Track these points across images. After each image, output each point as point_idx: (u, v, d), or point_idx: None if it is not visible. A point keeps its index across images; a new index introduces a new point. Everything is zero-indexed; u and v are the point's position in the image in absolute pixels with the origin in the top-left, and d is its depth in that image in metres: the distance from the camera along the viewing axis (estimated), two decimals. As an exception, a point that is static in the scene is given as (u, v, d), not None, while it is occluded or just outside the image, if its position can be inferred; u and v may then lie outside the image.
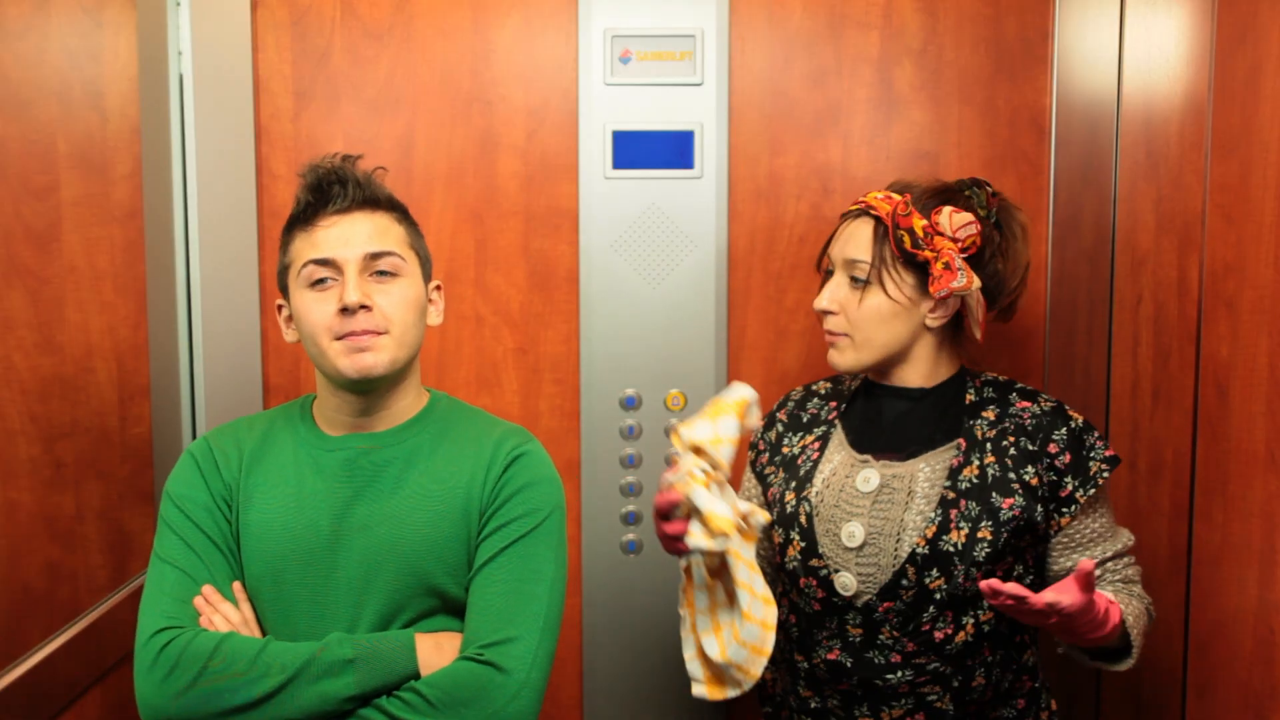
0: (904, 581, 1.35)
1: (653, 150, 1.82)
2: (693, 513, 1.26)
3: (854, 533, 1.37)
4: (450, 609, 1.29)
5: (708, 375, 1.85)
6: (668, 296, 1.84)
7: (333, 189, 1.28)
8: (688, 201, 1.82)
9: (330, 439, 1.32)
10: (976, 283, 1.37)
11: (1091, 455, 1.38)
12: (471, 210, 1.84)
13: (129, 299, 1.48)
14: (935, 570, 1.34)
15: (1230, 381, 1.26)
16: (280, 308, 1.35)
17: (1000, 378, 1.48)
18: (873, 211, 1.41)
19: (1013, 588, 1.18)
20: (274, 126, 1.82)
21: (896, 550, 1.36)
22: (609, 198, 1.82)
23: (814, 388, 1.59)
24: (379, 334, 1.25)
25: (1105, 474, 1.37)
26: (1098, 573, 1.41)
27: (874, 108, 1.85)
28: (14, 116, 1.24)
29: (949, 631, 1.37)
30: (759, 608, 1.31)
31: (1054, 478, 1.37)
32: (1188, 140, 1.38)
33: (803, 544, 1.41)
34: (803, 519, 1.42)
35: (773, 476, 1.51)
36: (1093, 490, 1.37)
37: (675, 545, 1.31)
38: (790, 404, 1.58)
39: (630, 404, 1.85)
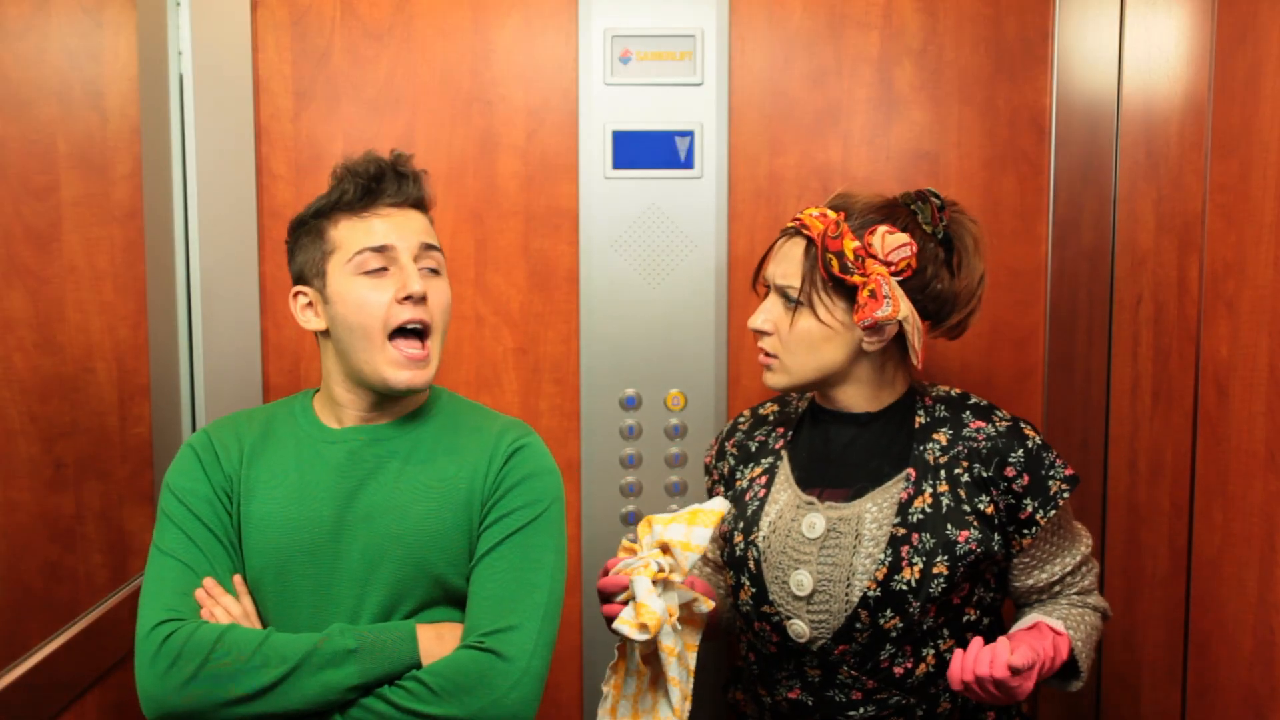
0: (857, 624, 1.32)
1: (653, 150, 1.82)
2: (631, 595, 1.27)
3: (802, 581, 1.34)
4: (451, 599, 1.30)
5: (708, 375, 1.85)
6: (668, 296, 1.84)
7: (386, 183, 1.29)
8: (688, 201, 1.82)
9: (333, 431, 1.32)
10: (904, 311, 1.30)
11: (1051, 475, 1.34)
12: (471, 210, 1.84)
13: (129, 299, 1.48)
14: (889, 610, 1.31)
15: (1230, 381, 1.26)
16: (299, 295, 1.32)
17: (953, 392, 1.43)
18: (805, 231, 1.34)
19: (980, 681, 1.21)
20: (274, 126, 1.82)
21: (848, 595, 1.32)
22: (609, 198, 1.82)
23: (761, 412, 1.54)
24: (425, 347, 1.28)
25: (1065, 494, 1.34)
26: (1056, 589, 1.41)
27: (874, 108, 1.85)
28: (14, 116, 1.24)
29: (909, 665, 1.34)
30: (682, 703, 1.31)
31: (1012, 501, 1.33)
32: (1188, 140, 1.38)
33: (753, 590, 1.38)
34: (751, 564, 1.38)
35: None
36: (1053, 511, 1.33)
37: (613, 627, 1.31)
38: (739, 434, 1.53)
39: (630, 404, 1.85)
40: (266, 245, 1.82)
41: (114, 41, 1.45)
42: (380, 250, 1.26)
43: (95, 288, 1.40)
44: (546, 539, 1.30)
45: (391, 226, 1.28)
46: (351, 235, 1.27)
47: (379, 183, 1.29)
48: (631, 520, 1.85)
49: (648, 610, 1.23)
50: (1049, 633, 1.32)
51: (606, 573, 1.31)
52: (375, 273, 1.26)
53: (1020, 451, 1.34)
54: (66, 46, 1.34)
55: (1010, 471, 1.33)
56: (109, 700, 1.39)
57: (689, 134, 1.82)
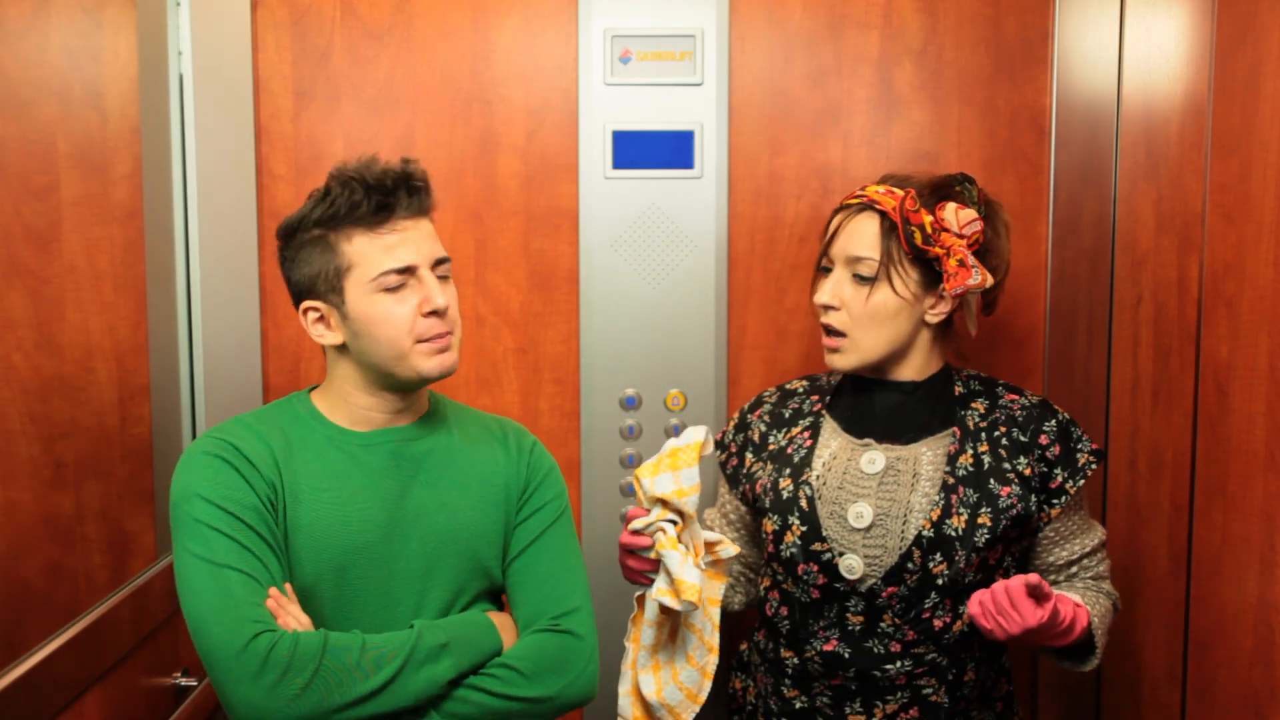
0: (909, 565, 1.35)
1: (653, 150, 1.82)
2: (662, 567, 1.32)
3: (862, 513, 1.37)
4: (491, 592, 1.38)
5: (708, 375, 1.85)
6: (668, 296, 1.84)
7: (398, 194, 1.27)
8: (688, 201, 1.82)
9: (364, 435, 1.33)
10: (989, 279, 1.37)
11: (1079, 448, 1.41)
12: (471, 210, 1.84)
13: (129, 299, 1.48)
14: (939, 554, 1.34)
15: (1230, 381, 1.26)
16: (309, 311, 1.30)
17: (982, 374, 1.50)
18: (877, 206, 1.39)
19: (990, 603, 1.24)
20: (274, 126, 1.82)
21: (904, 532, 1.36)
22: (609, 198, 1.82)
23: (789, 387, 1.58)
24: (450, 334, 1.30)
25: (1093, 466, 1.41)
26: (1073, 569, 1.44)
27: (874, 108, 1.85)
28: (14, 116, 1.24)
29: (947, 620, 1.37)
30: (702, 654, 1.37)
31: (1044, 469, 1.39)
32: (1188, 140, 1.38)
33: (804, 528, 1.39)
34: (803, 503, 1.40)
35: (759, 471, 1.49)
36: (1081, 481, 1.40)
37: (636, 578, 1.38)
38: (766, 404, 1.56)
39: (630, 404, 1.85)
40: (266, 245, 1.82)
41: (114, 41, 1.45)
42: (403, 271, 1.26)
43: (95, 288, 1.40)
44: (571, 527, 1.40)
45: (410, 242, 1.27)
46: (370, 253, 1.25)
47: (393, 195, 1.27)
48: (631, 520, 1.85)
49: (686, 585, 1.28)
50: (1069, 601, 1.34)
51: (627, 523, 1.36)
52: (395, 289, 1.26)
53: (1053, 422, 1.42)
54: (66, 46, 1.34)
55: (1044, 439, 1.41)
56: (109, 700, 1.39)
57: (689, 134, 1.82)
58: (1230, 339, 1.26)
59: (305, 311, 1.30)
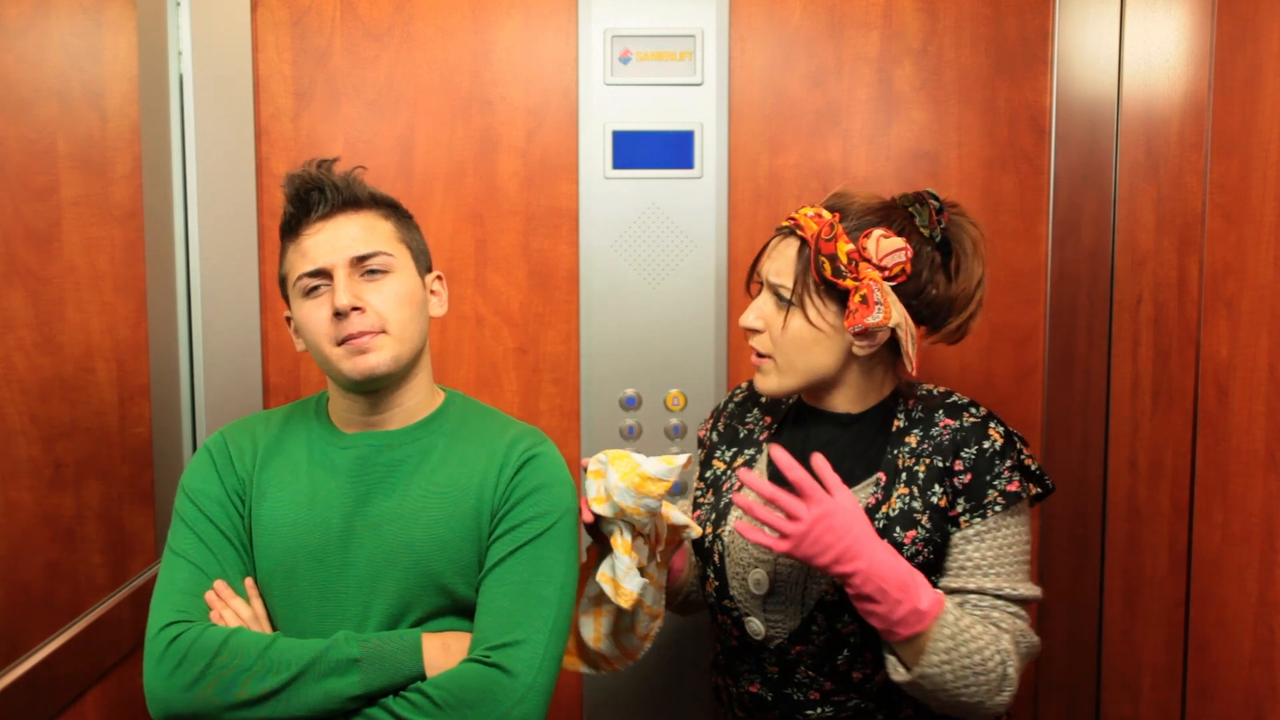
0: (814, 627, 1.31)
1: (653, 150, 1.82)
2: (611, 557, 1.28)
3: (759, 580, 1.33)
4: (459, 609, 1.28)
5: (708, 375, 1.85)
6: (668, 296, 1.84)
7: (311, 196, 1.27)
8: (688, 201, 1.82)
9: (344, 436, 1.32)
10: (895, 318, 1.27)
11: (993, 483, 1.28)
12: (471, 210, 1.84)
13: (129, 299, 1.48)
14: (847, 616, 1.29)
15: (1230, 382, 1.26)
16: (288, 319, 1.35)
17: (936, 391, 1.39)
18: (799, 231, 1.32)
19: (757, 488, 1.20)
20: (274, 126, 1.82)
21: (804, 598, 1.31)
22: (609, 198, 1.82)
23: (757, 391, 1.50)
24: (377, 333, 1.25)
25: (998, 507, 1.27)
26: (957, 601, 1.27)
27: (874, 108, 1.85)
28: (14, 116, 1.24)
29: (868, 671, 1.32)
30: (644, 624, 1.36)
31: (951, 496, 1.29)
32: (1188, 140, 1.38)
33: (716, 583, 1.38)
34: (716, 558, 1.38)
35: (700, 495, 1.45)
36: (979, 518, 1.27)
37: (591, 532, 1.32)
38: (732, 406, 1.52)
39: (630, 404, 1.85)
40: (266, 245, 1.82)
41: (114, 41, 1.45)
42: (314, 274, 1.26)
43: (95, 288, 1.40)
44: (556, 552, 1.27)
45: (322, 243, 1.26)
46: (293, 260, 1.29)
47: (299, 202, 1.28)
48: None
49: (624, 592, 1.26)
50: (920, 581, 1.20)
51: (584, 472, 1.30)
52: (313, 293, 1.27)
53: (974, 449, 1.30)
54: (66, 46, 1.34)
55: (958, 465, 1.29)
56: (109, 700, 1.39)
57: (689, 134, 1.82)
58: (1230, 339, 1.26)
59: (287, 320, 1.35)
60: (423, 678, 1.20)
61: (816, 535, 1.19)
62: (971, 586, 1.27)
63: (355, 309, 1.24)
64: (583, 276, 1.84)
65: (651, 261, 1.83)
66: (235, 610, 1.24)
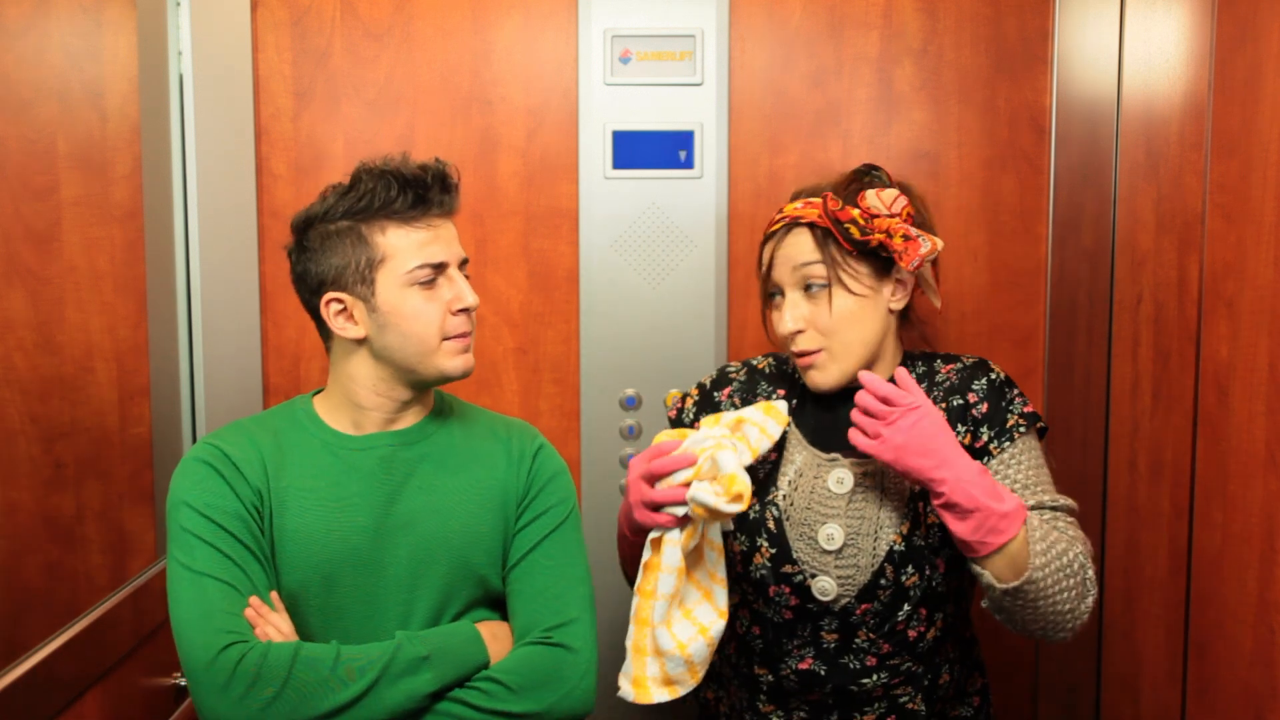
0: (882, 581, 1.32)
1: (652, 150, 1.82)
2: (703, 475, 1.18)
3: (833, 535, 1.33)
4: (489, 600, 1.33)
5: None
6: (668, 296, 1.84)
7: (437, 192, 1.27)
8: (687, 201, 1.82)
9: (357, 438, 1.31)
10: (940, 242, 1.33)
11: (1010, 409, 1.35)
12: (471, 210, 1.84)
13: (129, 299, 1.48)
14: (911, 567, 1.32)
15: (1230, 382, 1.26)
16: (334, 303, 1.27)
17: (925, 352, 1.46)
18: (802, 221, 1.35)
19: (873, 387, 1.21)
20: (274, 126, 1.82)
21: (875, 549, 1.33)
22: (609, 198, 1.82)
23: (756, 365, 1.50)
24: (472, 334, 1.32)
25: (1022, 428, 1.33)
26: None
27: (874, 108, 1.85)
28: (14, 116, 1.24)
29: (921, 629, 1.36)
30: (726, 607, 1.26)
31: (972, 427, 1.34)
32: (1188, 140, 1.38)
33: (773, 550, 1.35)
34: (770, 524, 1.35)
35: None
36: (1008, 441, 1.33)
37: (654, 518, 1.22)
38: (734, 384, 1.47)
39: (630, 404, 1.85)
40: (266, 245, 1.82)
41: (114, 41, 1.45)
42: (437, 267, 1.27)
43: (95, 288, 1.40)
44: (577, 534, 1.36)
45: (442, 240, 1.28)
46: (405, 247, 1.25)
47: (430, 191, 1.27)
48: (631, 520, 1.85)
49: (740, 481, 1.15)
50: (1001, 487, 1.22)
51: (663, 455, 1.23)
52: (427, 284, 1.27)
53: (983, 380, 1.37)
54: (66, 46, 1.34)
55: (972, 398, 1.36)
56: (109, 700, 1.39)
57: (689, 134, 1.82)
58: (1230, 339, 1.26)
59: (328, 303, 1.27)
60: (486, 667, 1.24)
61: (910, 437, 1.21)
62: (1030, 503, 1.30)
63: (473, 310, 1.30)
64: (583, 276, 1.84)
65: (651, 261, 1.84)
66: (275, 625, 1.21)
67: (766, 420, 1.28)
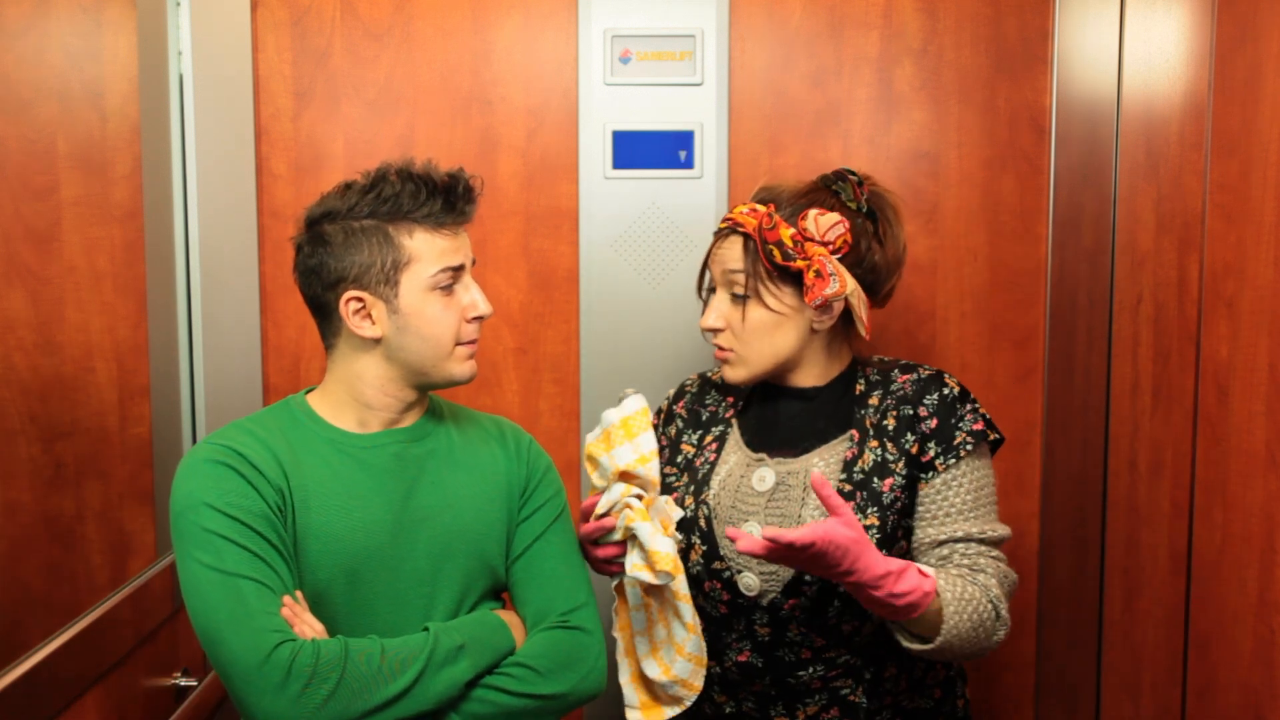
0: (806, 578, 1.34)
1: (652, 150, 1.82)
2: (631, 542, 1.34)
3: (751, 532, 1.32)
4: (495, 591, 1.38)
5: (708, 375, 1.85)
6: (668, 296, 1.84)
7: (460, 201, 1.31)
8: (687, 201, 1.82)
9: (366, 437, 1.32)
10: (850, 285, 1.34)
11: (959, 425, 1.36)
12: (471, 210, 1.84)
13: (129, 299, 1.48)
14: None
15: (1230, 382, 1.26)
16: (353, 301, 1.26)
17: (888, 359, 1.48)
18: (740, 228, 1.39)
19: (771, 534, 1.17)
20: (274, 126, 1.82)
21: None
22: (609, 198, 1.82)
23: (710, 376, 1.57)
24: (477, 342, 1.36)
25: (969, 446, 1.35)
26: (943, 552, 1.34)
27: (874, 108, 1.85)
28: (14, 116, 1.24)
29: (857, 624, 1.37)
30: (697, 619, 1.37)
31: (920, 441, 1.37)
32: (1188, 140, 1.38)
33: (704, 548, 1.40)
34: (702, 522, 1.41)
35: (674, 480, 1.48)
36: (953, 460, 1.35)
37: (608, 569, 1.40)
38: (688, 396, 1.56)
39: (630, 404, 1.85)
40: (266, 245, 1.82)
41: (114, 41, 1.45)
42: (457, 270, 1.30)
43: (95, 288, 1.40)
44: (571, 524, 1.42)
45: (462, 247, 1.32)
46: (432, 251, 1.27)
47: (459, 199, 1.31)
48: (631, 520, 1.85)
49: (660, 556, 1.29)
50: (912, 571, 1.23)
51: (587, 517, 1.38)
52: (446, 289, 1.29)
53: (935, 395, 1.39)
54: (66, 46, 1.34)
55: (923, 412, 1.38)
56: (109, 700, 1.39)
57: (689, 134, 1.82)
58: (1230, 339, 1.26)
59: (347, 301, 1.26)
60: (513, 653, 1.29)
61: (812, 566, 1.21)
62: (959, 534, 1.34)
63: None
64: (583, 276, 1.84)
65: (651, 261, 1.84)
66: (309, 623, 1.21)
67: (638, 444, 1.36)
